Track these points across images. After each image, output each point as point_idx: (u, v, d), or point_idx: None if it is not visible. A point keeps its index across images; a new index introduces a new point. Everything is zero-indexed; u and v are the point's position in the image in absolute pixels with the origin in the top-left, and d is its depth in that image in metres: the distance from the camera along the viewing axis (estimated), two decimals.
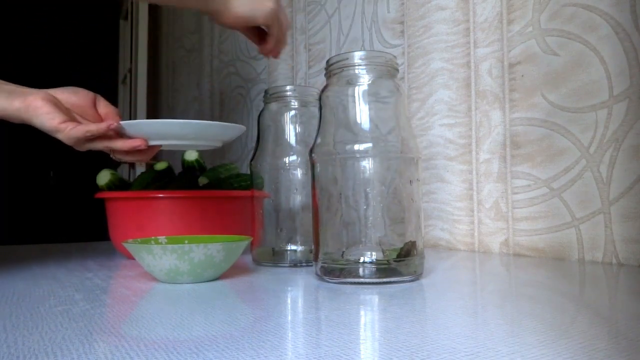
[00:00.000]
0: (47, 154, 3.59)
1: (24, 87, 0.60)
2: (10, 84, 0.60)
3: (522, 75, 0.75)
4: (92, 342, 0.31)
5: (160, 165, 0.86)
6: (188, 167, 0.87)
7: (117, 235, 0.77)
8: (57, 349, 0.29)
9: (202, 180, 0.85)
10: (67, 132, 0.57)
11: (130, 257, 0.77)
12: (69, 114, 0.60)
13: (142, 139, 0.60)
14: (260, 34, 0.76)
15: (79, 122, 0.60)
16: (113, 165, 2.18)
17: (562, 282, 0.52)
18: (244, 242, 0.58)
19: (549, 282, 0.50)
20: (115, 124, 0.59)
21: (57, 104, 0.59)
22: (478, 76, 0.82)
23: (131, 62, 2.18)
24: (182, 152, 0.89)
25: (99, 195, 0.79)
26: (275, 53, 0.76)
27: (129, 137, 0.61)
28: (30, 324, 0.36)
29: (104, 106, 0.64)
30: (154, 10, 2.25)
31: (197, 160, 0.87)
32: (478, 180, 0.81)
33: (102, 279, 0.57)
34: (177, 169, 0.89)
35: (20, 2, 3.28)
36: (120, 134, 0.61)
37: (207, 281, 0.55)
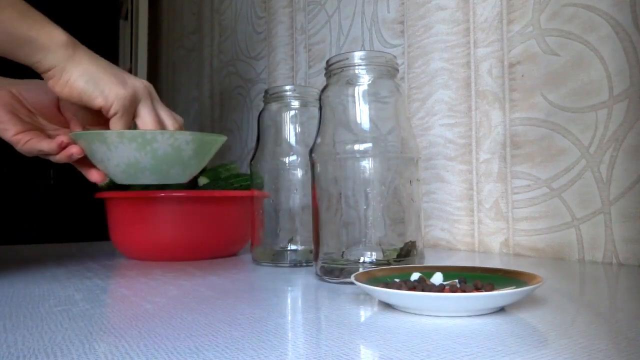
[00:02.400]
0: None
1: None
2: None
3: (522, 75, 0.75)
4: (92, 342, 0.31)
5: None
6: None
7: (117, 235, 0.77)
8: (57, 349, 0.29)
9: (202, 180, 0.85)
10: (20, 146, 0.53)
11: (130, 257, 0.77)
12: (30, 118, 0.56)
13: (77, 148, 0.54)
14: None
15: (38, 130, 0.54)
16: None
17: (562, 282, 0.52)
18: (219, 138, 0.51)
19: (549, 282, 0.50)
20: (66, 140, 0.53)
21: (16, 109, 0.54)
22: (478, 76, 0.82)
23: (131, 62, 2.18)
24: None
25: (99, 195, 0.79)
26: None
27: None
28: (30, 324, 0.36)
29: (67, 107, 0.57)
30: (154, 10, 2.25)
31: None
32: (478, 180, 0.81)
33: (102, 279, 0.57)
34: None
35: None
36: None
37: (174, 183, 0.47)
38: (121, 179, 0.52)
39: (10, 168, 3.48)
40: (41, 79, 0.53)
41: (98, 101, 0.51)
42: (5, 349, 0.29)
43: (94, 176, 0.56)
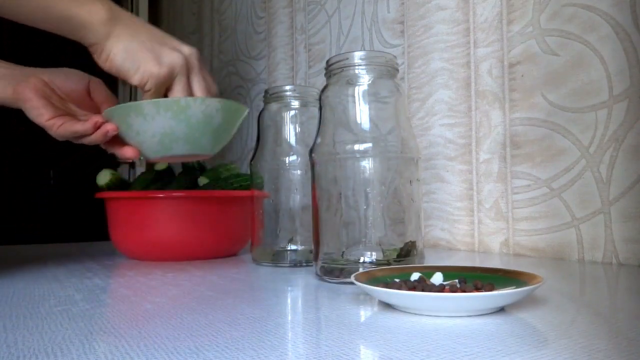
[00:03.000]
0: (47, 154, 3.59)
1: (21, 67, 0.56)
2: (5, 64, 0.56)
3: (522, 75, 0.75)
4: (92, 342, 0.31)
5: (160, 166, 0.86)
6: (188, 167, 0.87)
7: (117, 235, 0.77)
8: (57, 349, 0.29)
9: (202, 180, 0.85)
10: (55, 130, 0.54)
11: (130, 257, 0.77)
12: (62, 105, 0.57)
13: (112, 126, 0.54)
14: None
15: (69, 117, 0.55)
16: (113, 165, 2.18)
17: (562, 282, 0.52)
18: (243, 107, 0.54)
19: (549, 282, 0.50)
20: (101, 120, 0.55)
21: (48, 95, 0.55)
22: (478, 76, 0.82)
23: None
24: None
25: (99, 195, 0.79)
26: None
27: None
28: (30, 324, 0.36)
29: (98, 93, 0.59)
30: (154, 10, 2.25)
31: (197, 161, 0.87)
32: (478, 180, 0.81)
33: (102, 279, 0.57)
34: (177, 169, 0.89)
35: None
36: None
37: (202, 156, 0.50)
38: (155, 152, 0.53)
39: (10, 168, 3.48)
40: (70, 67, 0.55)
41: (134, 78, 0.53)
42: (5, 349, 0.29)
43: (128, 152, 0.56)
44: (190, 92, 0.56)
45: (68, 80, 0.57)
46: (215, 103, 0.53)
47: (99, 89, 0.59)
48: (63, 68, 0.58)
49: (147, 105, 0.51)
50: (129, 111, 0.53)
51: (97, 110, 0.59)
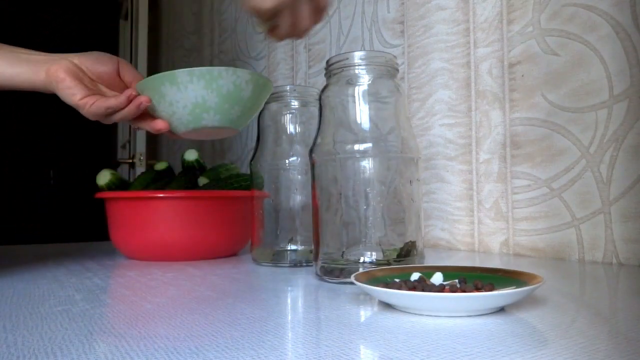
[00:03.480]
0: (47, 154, 3.59)
1: (49, 54, 0.58)
2: (34, 52, 0.58)
3: (522, 75, 0.75)
4: (92, 342, 0.31)
5: (160, 165, 0.86)
6: (188, 167, 0.87)
7: (117, 235, 0.77)
8: (57, 349, 0.29)
9: (202, 180, 0.85)
10: (88, 108, 0.56)
11: (130, 257, 0.77)
12: (93, 86, 0.59)
13: (146, 97, 0.56)
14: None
15: (101, 96, 0.58)
16: (113, 165, 2.18)
17: (562, 282, 0.52)
18: (269, 82, 0.58)
19: (549, 282, 0.50)
20: (134, 93, 0.57)
21: (80, 77, 0.57)
22: (478, 76, 0.82)
23: (131, 62, 2.18)
24: (182, 152, 0.89)
25: (99, 195, 0.79)
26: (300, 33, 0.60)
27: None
28: (30, 324, 0.36)
29: (127, 73, 0.61)
30: (154, 10, 2.25)
31: (197, 160, 0.87)
32: (478, 180, 0.81)
33: (102, 279, 0.57)
34: (177, 169, 0.89)
35: (20, 2, 3.28)
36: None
37: (230, 129, 0.54)
38: (187, 123, 0.55)
39: (11, 168, 3.49)
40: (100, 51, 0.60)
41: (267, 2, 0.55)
42: (5, 349, 0.29)
43: (159, 125, 0.58)
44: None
45: (98, 62, 0.60)
46: (246, 74, 0.54)
47: (129, 69, 0.61)
48: (92, 52, 0.61)
49: (180, 73, 0.53)
50: (164, 80, 0.54)
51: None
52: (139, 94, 0.57)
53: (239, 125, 0.58)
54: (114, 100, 0.56)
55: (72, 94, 0.56)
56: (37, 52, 0.58)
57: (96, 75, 0.59)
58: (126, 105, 0.57)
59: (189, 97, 0.54)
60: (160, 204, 0.74)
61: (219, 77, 0.53)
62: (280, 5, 0.55)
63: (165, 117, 0.57)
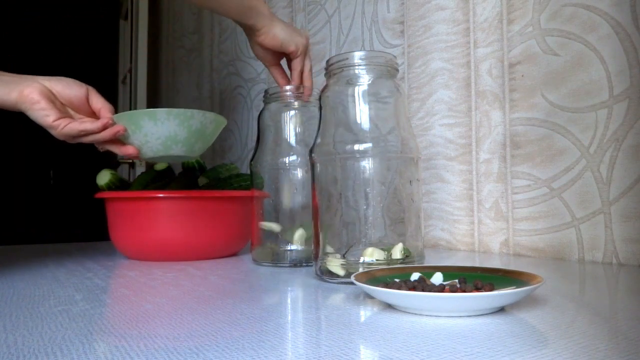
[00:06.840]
0: (47, 154, 3.59)
1: (20, 75, 0.61)
2: (6, 73, 0.61)
3: (522, 75, 0.75)
4: (92, 342, 0.31)
5: (160, 166, 0.86)
6: (188, 167, 0.87)
7: (117, 235, 0.77)
8: (57, 349, 0.29)
9: (202, 180, 0.85)
10: (60, 130, 0.60)
11: (130, 257, 0.77)
12: (63, 109, 0.62)
13: (122, 126, 0.63)
14: (283, 72, 0.80)
15: (71, 118, 0.61)
16: (113, 165, 2.18)
17: (562, 282, 0.52)
18: (225, 120, 0.69)
19: (549, 282, 0.50)
20: (111, 121, 0.62)
21: (52, 99, 0.60)
22: (478, 76, 0.82)
23: (131, 62, 2.18)
24: None
25: (99, 195, 0.79)
26: (305, 93, 0.72)
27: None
28: (30, 324, 0.36)
29: (96, 101, 0.64)
30: (154, 10, 2.25)
31: (197, 161, 0.87)
32: (478, 180, 0.81)
33: (102, 279, 0.57)
34: (177, 169, 0.89)
35: (21, 1, 3.28)
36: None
37: (190, 157, 0.65)
38: (156, 151, 0.63)
39: (10, 169, 3.49)
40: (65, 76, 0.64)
41: (291, 47, 0.74)
42: (5, 349, 0.29)
43: (130, 150, 0.65)
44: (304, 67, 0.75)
45: (68, 87, 0.63)
46: (211, 116, 0.66)
47: (99, 98, 0.65)
48: (62, 77, 0.64)
49: (160, 112, 0.62)
50: (143, 116, 0.62)
51: (93, 116, 0.65)
52: (114, 123, 0.63)
53: (197, 154, 0.68)
54: (89, 124, 0.61)
55: (46, 115, 0.59)
56: (7, 73, 0.61)
57: (66, 100, 0.63)
58: (101, 131, 0.62)
59: (164, 131, 0.63)
60: (160, 204, 0.74)
61: (191, 117, 0.63)
62: None
63: (136, 144, 0.64)
